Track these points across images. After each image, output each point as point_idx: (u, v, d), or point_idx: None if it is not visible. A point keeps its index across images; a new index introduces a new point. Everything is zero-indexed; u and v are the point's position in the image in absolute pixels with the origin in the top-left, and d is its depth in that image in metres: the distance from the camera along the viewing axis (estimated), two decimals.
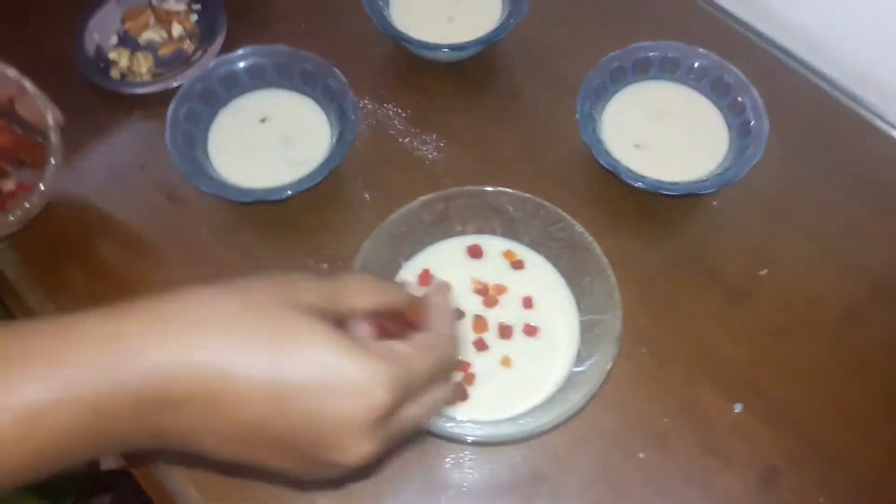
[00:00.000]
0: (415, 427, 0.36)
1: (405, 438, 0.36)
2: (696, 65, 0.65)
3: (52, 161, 0.58)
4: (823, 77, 0.70)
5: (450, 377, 0.38)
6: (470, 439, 0.49)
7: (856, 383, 0.56)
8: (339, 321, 0.35)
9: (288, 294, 0.33)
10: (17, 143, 0.61)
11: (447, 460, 0.53)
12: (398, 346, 0.34)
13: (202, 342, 0.30)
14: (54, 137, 0.58)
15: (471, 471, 0.52)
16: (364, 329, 0.37)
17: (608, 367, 0.50)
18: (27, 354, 0.29)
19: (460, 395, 0.52)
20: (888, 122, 0.67)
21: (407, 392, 0.33)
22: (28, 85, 0.58)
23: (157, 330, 0.30)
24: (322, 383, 0.31)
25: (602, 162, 0.60)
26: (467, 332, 0.55)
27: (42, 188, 0.58)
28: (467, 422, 0.51)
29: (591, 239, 0.54)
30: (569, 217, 0.55)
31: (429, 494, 0.52)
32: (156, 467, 0.53)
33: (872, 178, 0.65)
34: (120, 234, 0.63)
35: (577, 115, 0.61)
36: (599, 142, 0.61)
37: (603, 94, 0.65)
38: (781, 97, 0.66)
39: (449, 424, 0.49)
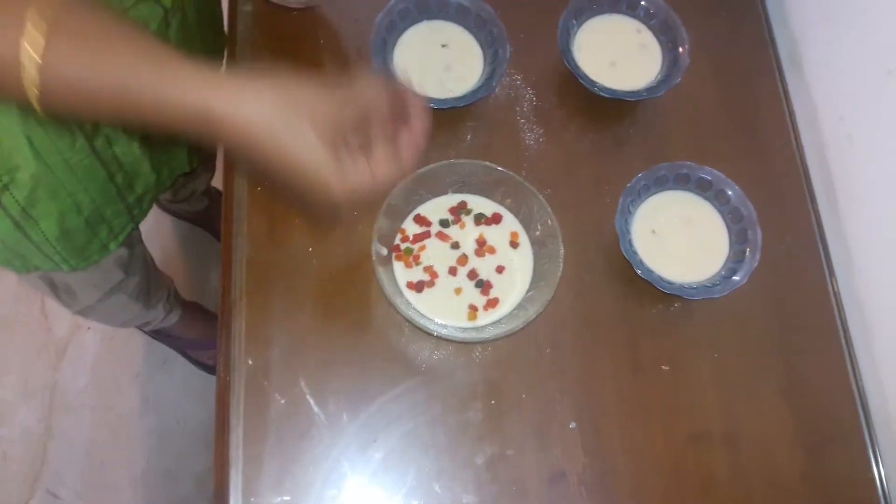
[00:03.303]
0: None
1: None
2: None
3: None
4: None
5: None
6: (435, 333, 0.73)
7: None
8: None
9: (310, 109, 0.54)
10: None
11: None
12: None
13: (251, 112, 0.52)
14: None
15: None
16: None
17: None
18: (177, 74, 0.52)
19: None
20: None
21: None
22: None
23: (235, 92, 0.52)
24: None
25: (624, 250, 0.77)
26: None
27: None
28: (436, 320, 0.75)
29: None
30: (551, 214, 0.75)
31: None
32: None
33: None
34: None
35: (619, 210, 0.78)
36: (628, 233, 0.79)
37: (644, 193, 0.82)
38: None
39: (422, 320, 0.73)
